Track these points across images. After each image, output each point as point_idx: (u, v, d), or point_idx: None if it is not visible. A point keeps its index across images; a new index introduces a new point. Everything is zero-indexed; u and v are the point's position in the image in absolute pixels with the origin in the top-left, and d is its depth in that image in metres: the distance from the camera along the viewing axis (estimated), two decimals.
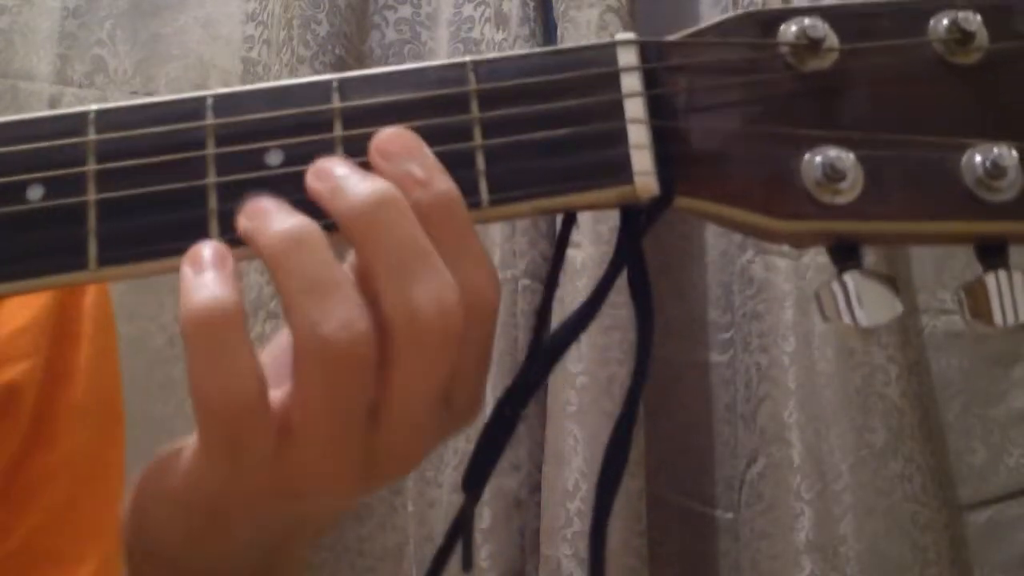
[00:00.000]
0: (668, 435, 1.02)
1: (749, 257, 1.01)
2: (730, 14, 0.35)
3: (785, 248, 0.99)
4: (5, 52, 1.18)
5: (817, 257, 0.98)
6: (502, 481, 0.98)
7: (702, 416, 1.06)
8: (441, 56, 1.17)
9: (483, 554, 0.96)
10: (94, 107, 0.33)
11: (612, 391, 0.95)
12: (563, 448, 0.95)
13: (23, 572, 0.50)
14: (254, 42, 1.17)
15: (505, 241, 1.03)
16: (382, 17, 1.18)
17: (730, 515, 1.02)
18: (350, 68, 1.12)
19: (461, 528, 0.39)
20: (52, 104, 1.16)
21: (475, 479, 0.37)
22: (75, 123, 0.33)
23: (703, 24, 0.35)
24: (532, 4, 1.09)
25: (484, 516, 0.96)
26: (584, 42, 0.36)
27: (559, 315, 1.05)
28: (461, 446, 1.02)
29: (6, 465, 0.50)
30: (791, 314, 0.97)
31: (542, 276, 1.03)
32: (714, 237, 1.08)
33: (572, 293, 0.98)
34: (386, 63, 1.17)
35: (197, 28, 1.19)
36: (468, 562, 0.41)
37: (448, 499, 1.02)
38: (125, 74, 1.18)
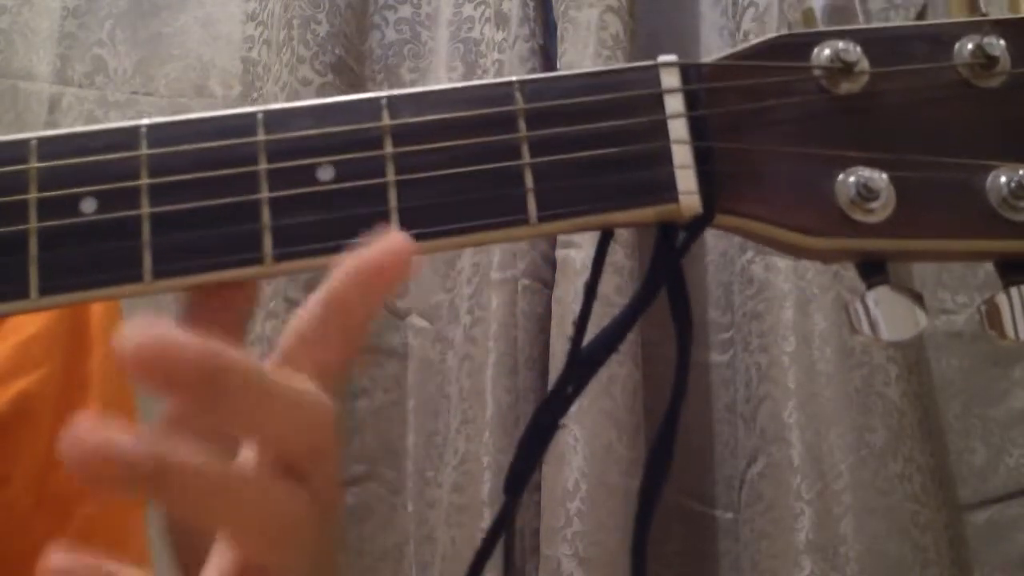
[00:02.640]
0: None
1: (749, 257, 1.01)
2: (765, 37, 0.36)
3: None
4: (5, 52, 1.18)
5: None
6: (502, 481, 0.97)
7: (702, 416, 1.06)
8: (441, 55, 1.17)
9: None
10: (145, 121, 0.34)
11: (612, 391, 0.95)
12: (563, 448, 0.95)
13: None
14: (254, 42, 1.17)
15: None
16: (382, 17, 1.18)
17: (730, 515, 1.02)
18: (350, 68, 1.13)
19: (502, 530, 0.40)
20: (52, 104, 1.16)
21: (516, 484, 0.39)
22: (127, 137, 0.33)
23: (739, 47, 0.36)
24: (532, 4, 1.09)
25: (484, 516, 0.96)
26: (625, 64, 0.36)
27: (559, 315, 1.06)
28: (461, 446, 1.02)
29: (34, 475, 0.50)
30: (791, 314, 0.97)
31: (542, 276, 1.03)
32: (714, 237, 1.08)
33: (572, 293, 0.98)
34: (386, 63, 1.17)
35: (197, 28, 1.20)
36: (510, 565, 0.41)
37: (448, 499, 1.02)
38: (125, 74, 1.18)
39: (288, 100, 1.08)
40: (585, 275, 0.98)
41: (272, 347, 1.10)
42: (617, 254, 0.96)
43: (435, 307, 1.11)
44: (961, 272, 1.03)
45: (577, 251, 0.99)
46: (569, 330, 0.98)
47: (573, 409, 0.96)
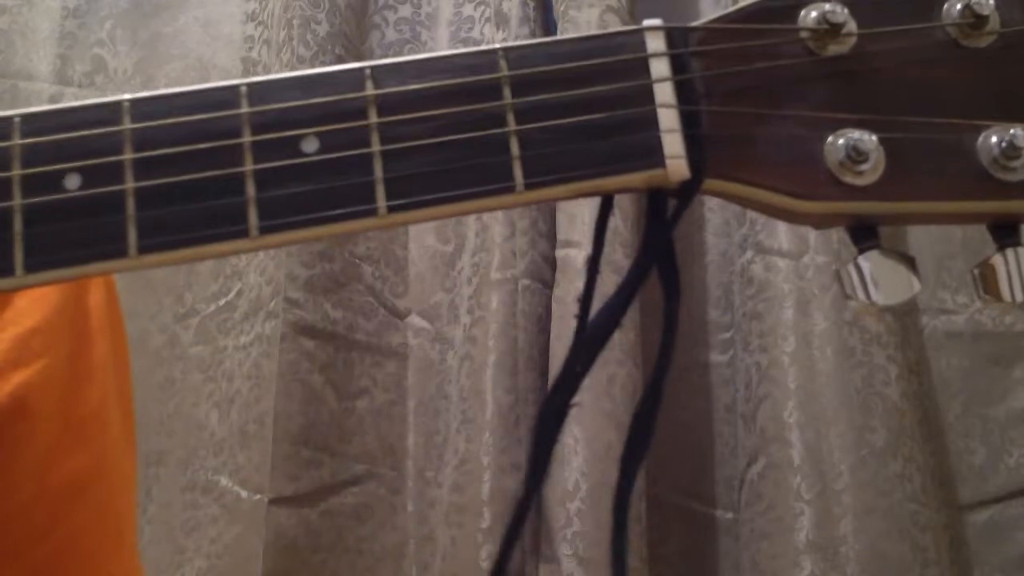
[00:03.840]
0: (668, 435, 1.02)
1: (749, 257, 1.01)
2: (754, 0, 0.35)
3: (785, 248, 0.99)
4: (5, 52, 1.18)
5: (817, 257, 0.98)
6: (502, 481, 0.98)
7: (702, 416, 1.06)
8: None
9: (483, 554, 0.96)
10: (128, 96, 0.33)
11: (612, 391, 0.95)
12: (563, 448, 0.95)
13: (63, 573, 0.50)
14: (254, 42, 1.17)
15: (505, 241, 1.03)
16: (382, 17, 1.18)
17: (730, 515, 1.02)
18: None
19: (525, 513, 0.41)
20: (52, 104, 1.16)
21: (537, 469, 0.39)
22: (110, 112, 0.33)
23: (726, 10, 0.35)
24: (532, 4, 1.09)
25: (484, 516, 0.96)
26: (610, 30, 0.36)
27: (559, 315, 1.06)
28: (461, 447, 1.02)
29: (34, 468, 0.50)
30: (791, 314, 0.97)
31: (542, 276, 1.03)
32: (714, 237, 1.08)
33: (572, 293, 0.98)
34: None
35: (197, 28, 1.19)
36: (538, 547, 0.42)
37: (448, 499, 1.02)
38: (125, 74, 1.18)
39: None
40: (585, 275, 0.98)
41: (272, 346, 1.09)
42: (616, 253, 0.96)
43: (435, 307, 1.11)
44: (961, 272, 1.03)
45: (577, 251, 0.99)
46: (569, 330, 0.98)
47: (573, 410, 0.96)
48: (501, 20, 1.10)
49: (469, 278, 1.08)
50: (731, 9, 0.35)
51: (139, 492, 1.10)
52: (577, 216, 1.00)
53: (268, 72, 1.14)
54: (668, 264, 0.36)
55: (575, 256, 0.99)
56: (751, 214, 1.02)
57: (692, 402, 1.06)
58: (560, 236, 1.02)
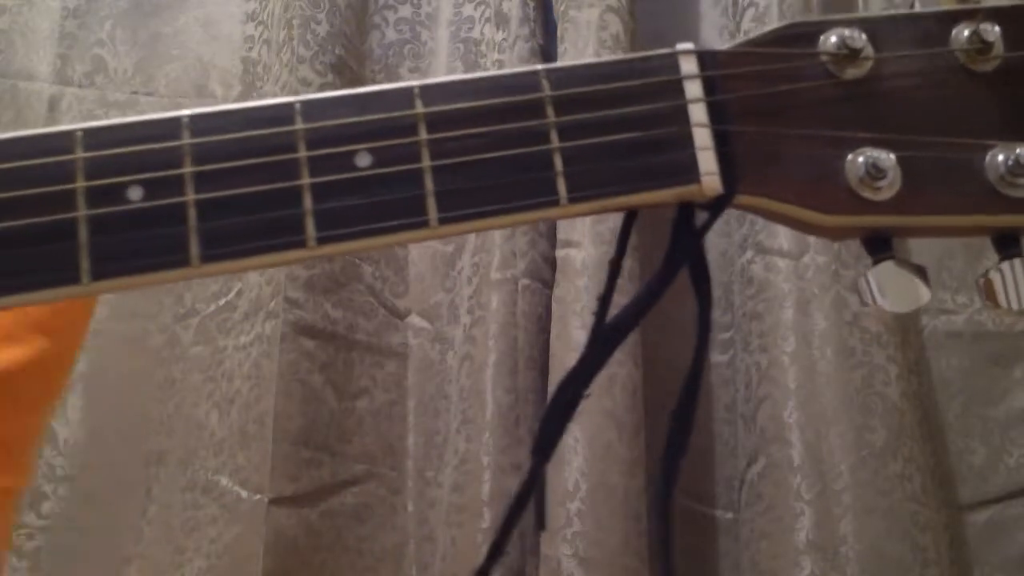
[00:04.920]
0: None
1: (749, 257, 1.01)
2: (775, 25, 0.38)
3: (785, 248, 0.99)
4: (5, 52, 1.18)
5: (817, 257, 0.98)
6: (502, 481, 0.98)
7: (702, 416, 1.05)
8: (441, 56, 1.17)
9: (483, 554, 0.96)
10: (187, 112, 0.35)
11: (612, 391, 0.95)
12: (563, 448, 0.95)
13: None
14: (254, 42, 1.17)
15: (505, 241, 1.03)
16: (382, 17, 1.18)
17: (730, 515, 1.02)
18: (350, 68, 1.13)
19: (531, 490, 0.43)
20: (52, 104, 1.16)
21: (543, 448, 0.41)
22: (170, 127, 0.35)
23: (752, 35, 0.38)
24: (532, 4, 1.09)
25: (484, 516, 0.96)
26: (644, 52, 0.38)
27: (559, 315, 1.06)
28: (461, 447, 1.02)
29: None
30: (791, 314, 0.97)
31: (542, 276, 1.03)
32: (714, 237, 1.08)
33: (572, 293, 0.98)
34: (386, 63, 1.17)
35: (197, 28, 1.19)
36: (541, 522, 0.46)
37: (448, 499, 1.02)
38: (125, 74, 1.18)
39: (282, 98, 1.08)
40: (586, 275, 0.98)
41: (272, 346, 1.09)
42: (625, 257, 0.96)
43: (435, 307, 1.11)
44: (961, 272, 1.03)
45: (577, 251, 0.99)
46: (570, 330, 0.98)
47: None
48: (501, 20, 1.10)
49: (469, 278, 1.08)
50: (757, 33, 0.37)
51: (139, 492, 1.10)
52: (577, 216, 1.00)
53: (268, 72, 1.14)
54: (700, 272, 0.38)
55: (575, 256, 0.99)
56: (751, 215, 1.02)
57: None
58: (560, 236, 1.02)
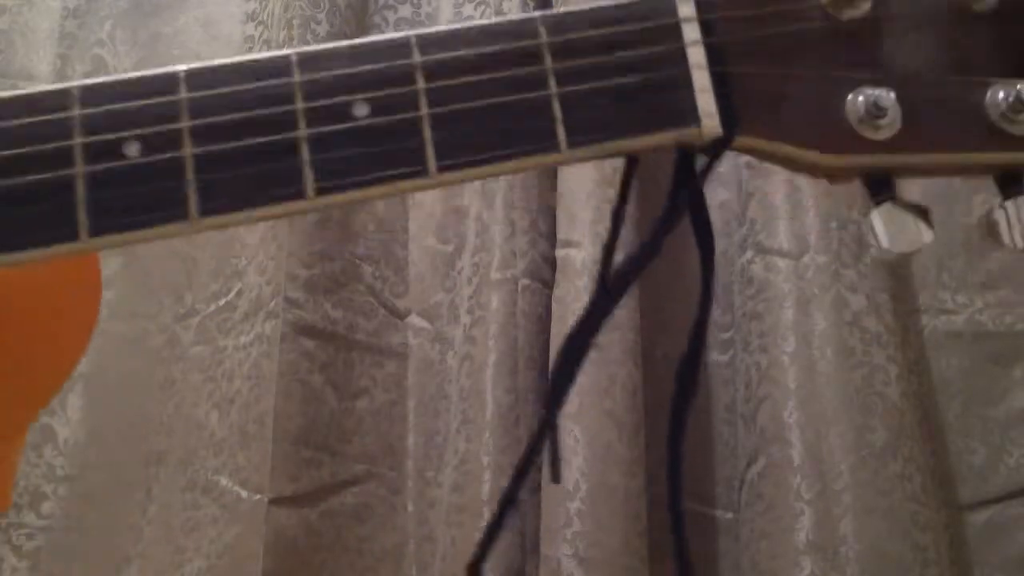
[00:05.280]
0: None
1: (749, 257, 1.01)
2: None
3: (785, 248, 0.99)
4: (5, 52, 1.18)
5: (817, 257, 0.98)
6: (502, 481, 0.98)
7: (702, 416, 1.06)
8: None
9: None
10: (183, 67, 0.35)
11: (612, 391, 0.95)
12: (563, 448, 0.95)
13: None
14: (254, 42, 1.17)
15: (505, 241, 1.03)
16: (382, 17, 1.18)
17: (730, 515, 1.02)
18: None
19: (541, 442, 0.43)
20: None
21: (554, 399, 0.42)
22: (166, 82, 0.34)
23: None
24: (532, 5, 1.09)
25: (484, 516, 0.96)
26: None
27: (559, 315, 1.06)
28: (461, 447, 1.02)
29: None
30: (791, 314, 0.97)
31: (542, 276, 1.03)
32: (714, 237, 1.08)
33: (572, 293, 0.98)
34: None
35: (197, 28, 1.19)
36: (556, 475, 0.46)
37: (448, 499, 1.02)
38: None
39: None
40: (586, 275, 0.98)
41: (272, 346, 1.09)
42: (617, 253, 0.96)
43: (435, 307, 1.11)
44: (961, 272, 1.03)
45: (577, 251, 0.99)
46: (569, 329, 0.97)
47: (573, 409, 0.96)
48: None
49: (469, 278, 1.08)
50: None
51: (139, 492, 1.10)
52: (577, 216, 1.00)
53: None
54: (701, 217, 0.38)
55: (575, 256, 0.99)
56: (751, 214, 1.02)
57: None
58: (560, 236, 1.02)
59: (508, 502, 0.43)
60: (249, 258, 1.10)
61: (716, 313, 1.07)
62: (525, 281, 1.02)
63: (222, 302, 1.11)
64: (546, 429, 0.43)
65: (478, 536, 1.00)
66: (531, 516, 0.98)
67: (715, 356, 1.06)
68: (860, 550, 0.91)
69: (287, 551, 1.00)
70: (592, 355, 0.96)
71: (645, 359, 0.98)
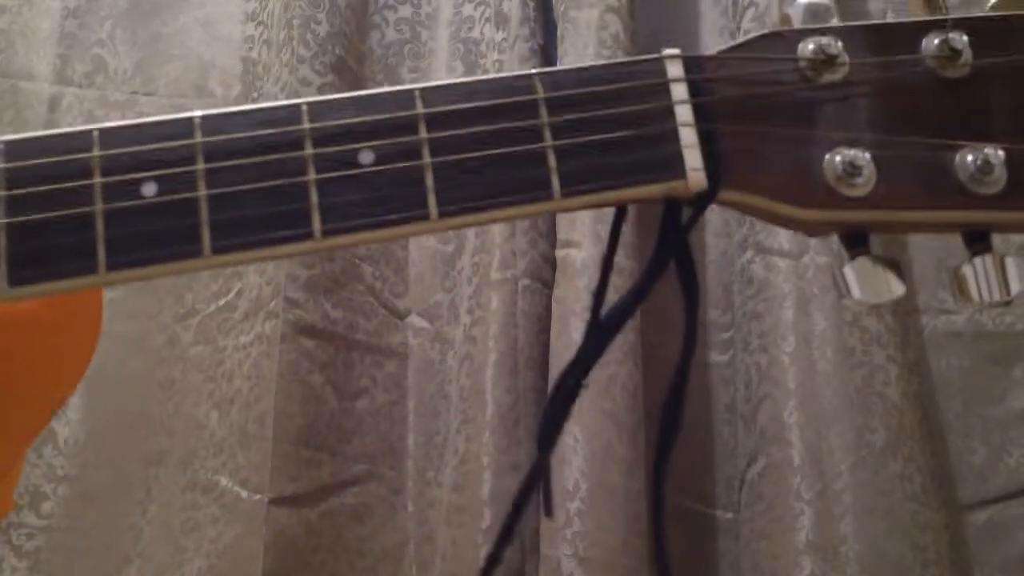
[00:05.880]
0: None
1: (749, 257, 1.01)
2: (757, 33, 0.40)
3: (785, 248, 0.99)
4: (5, 52, 1.18)
5: (817, 257, 0.98)
6: (502, 481, 0.98)
7: (702, 416, 1.06)
8: (441, 56, 1.16)
9: (483, 554, 0.96)
10: (199, 113, 0.37)
11: (612, 391, 0.95)
12: (563, 448, 0.95)
13: None
14: (254, 42, 1.17)
15: (505, 242, 1.03)
16: (382, 17, 1.18)
17: (730, 515, 1.02)
18: (350, 68, 1.13)
19: (536, 480, 0.45)
20: (52, 104, 1.16)
21: (546, 439, 0.44)
22: (182, 127, 0.37)
23: (734, 42, 0.40)
24: (532, 4, 1.09)
25: (484, 516, 0.96)
26: (633, 57, 0.43)
27: (559, 315, 1.06)
28: (461, 447, 1.02)
29: None
30: (791, 314, 0.97)
31: (542, 276, 1.03)
32: (714, 237, 1.08)
33: (572, 293, 0.98)
34: (386, 63, 1.17)
35: (197, 28, 1.19)
36: (549, 509, 0.48)
37: (448, 499, 1.02)
38: (125, 74, 1.18)
39: (288, 100, 1.08)
40: (586, 275, 0.98)
41: (272, 346, 1.09)
42: (618, 255, 0.96)
43: (435, 307, 1.11)
44: None
45: (577, 251, 0.99)
46: (570, 330, 0.98)
47: (573, 409, 0.96)
48: (501, 20, 1.10)
49: (469, 278, 1.08)
50: (739, 41, 0.40)
51: (139, 492, 1.10)
52: (577, 217, 1.00)
53: (268, 72, 1.14)
54: (686, 265, 0.40)
55: (575, 256, 0.99)
56: (749, 216, 1.02)
57: (692, 402, 1.05)
58: (560, 236, 1.02)
59: (504, 538, 0.45)
60: None
61: (716, 313, 1.07)
62: (525, 281, 1.02)
63: (222, 302, 1.11)
64: (540, 468, 0.45)
65: (478, 536, 1.01)
66: (531, 516, 0.98)
67: (715, 356, 1.06)
68: (860, 550, 0.91)
69: (287, 551, 1.00)
70: None
71: (645, 359, 0.98)
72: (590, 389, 0.95)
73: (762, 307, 1.00)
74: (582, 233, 0.99)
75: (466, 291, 1.08)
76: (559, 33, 1.06)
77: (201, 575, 1.03)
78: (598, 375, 0.96)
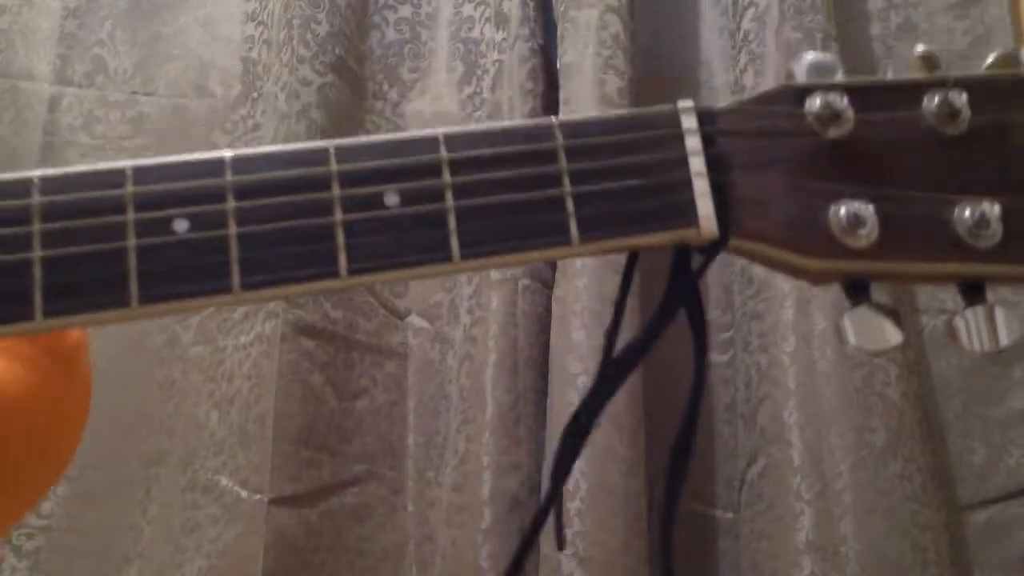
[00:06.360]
0: (668, 435, 1.02)
1: None
2: (767, 89, 0.41)
3: None
4: (5, 52, 1.18)
5: None
6: (502, 481, 0.98)
7: (702, 416, 1.05)
8: (441, 56, 1.17)
9: (483, 554, 0.96)
10: (229, 152, 0.38)
11: None
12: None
13: None
14: (254, 42, 1.17)
15: None
16: (382, 17, 1.18)
17: (730, 515, 1.02)
18: (350, 68, 1.13)
19: (548, 511, 0.46)
20: (52, 104, 1.16)
21: (560, 474, 0.46)
22: (214, 166, 0.38)
23: (746, 96, 0.42)
24: (532, 4, 1.09)
25: (484, 516, 0.97)
26: (649, 108, 0.42)
27: (559, 315, 1.06)
28: (461, 447, 1.02)
29: None
30: (791, 314, 0.97)
31: (542, 276, 1.03)
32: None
33: (572, 293, 0.98)
34: (386, 63, 1.17)
35: (197, 28, 1.19)
36: (561, 543, 0.49)
37: (448, 499, 1.02)
38: (125, 74, 1.18)
39: (288, 100, 1.08)
40: (586, 275, 0.98)
41: (272, 346, 1.09)
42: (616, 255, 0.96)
43: (435, 307, 1.11)
44: None
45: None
46: (570, 329, 0.98)
47: (573, 409, 0.96)
48: (501, 20, 1.10)
49: (469, 278, 1.08)
50: (750, 96, 0.42)
51: (139, 492, 1.10)
52: None
53: (268, 72, 1.14)
54: (696, 311, 0.42)
55: (575, 261, 0.99)
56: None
57: None
58: None
59: (515, 570, 0.47)
60: None
61: (716, 313, 1.07)
62: (525, 281, 1.02)
63: None
64: (555, 497, 0.47)
65: (478, 536, 1.01)
66: (531, 516, 0.98)
67: (715, 356, 1.06)
68: (860, 550, 0.91)
69: (287, 551, 1.00)
70: (592, 356, 0.96)
71: (645, 360, 0.98)
72: None
73: (762, 307, 1.00)
74: None
75: (466, 291, 1.08)
76: (559, 33, 1.06)
77: (201, 575, 1.03)
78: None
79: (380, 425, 1.09)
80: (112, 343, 1.11)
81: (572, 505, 0.94)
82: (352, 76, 1.13)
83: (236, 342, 1.08)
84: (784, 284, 0.98)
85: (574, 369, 0.97)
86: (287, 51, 1.10)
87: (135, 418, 1.11)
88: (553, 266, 1.02)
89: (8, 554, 1.07)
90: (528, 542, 0.46)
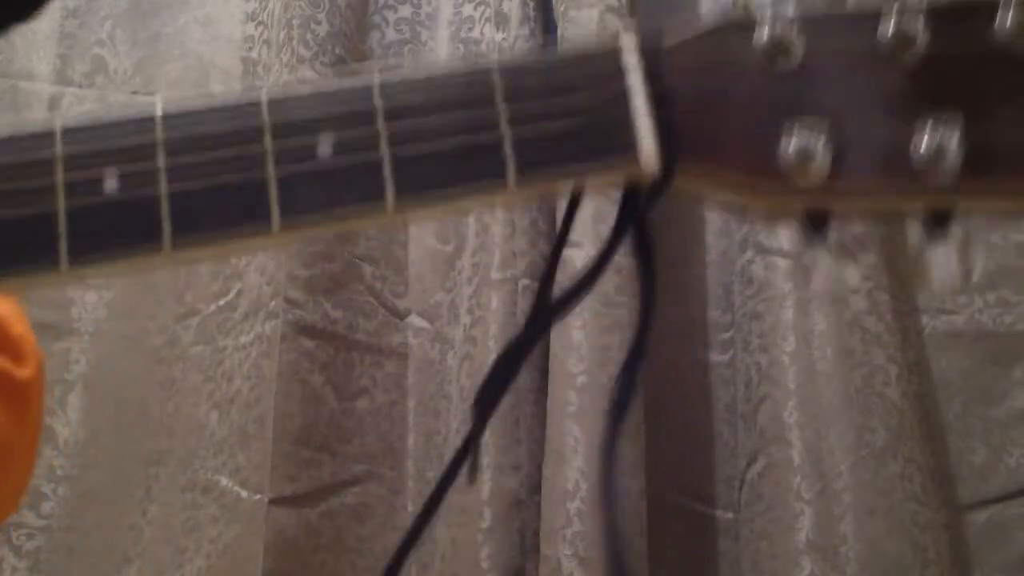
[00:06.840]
0: (668, 435, 1.02)
1: (749, 257, 1.01)
2: (712, 19, 0.40)
3: (785, 248, 0.99)
4: (5, 52, 1.18)
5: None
6: (502, 481, 0.98)
7: (702, 416, 1.06)
8: (441, 56, 1.17)
9: (483, 554, 0.96)
10: (159, 109, 0.37)
11: (612, 391, 0.95)
12: (563, 448, 0.95)
13: None
14: (254, 42, 1.17)
15: (505, 242, 1.03)
16: (382, 17, 1.18)
17: (730, 515, 1.02)
18: (350, 68, 1.13)
19: (469, 445, 0.46)
20: (52, 104, 1.16)
21: (484, 406, 0.45)
22: (145, 123, 0.37)
23: (690, 26, 0.40)
24: (532, 4, 1.09)
25: (485, 516, 0.97)
26: (587, 44, 0.41)
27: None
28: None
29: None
30: (791, 314, 0.97)
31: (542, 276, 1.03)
32: (714, 237, 1.08)
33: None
34: (386, 63, 1.17)
35: (197, 28, 1.19)
36: (473, 478, 0.49)
37: (448, 499, 1.02)
38: (125, 74, 1.18)
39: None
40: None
41: (272, 346, 1.09)
42: (618, 253, 0.96)
43: (435, 307, 1.11)
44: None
45: (577, 251, 0.99)
46: (570, 330, 0.98)
47: (573, 409, 0.96)
48: (501, 20, 1.10)
49: (469, 278, 1.08)
50: (695, 26, 0.40)
51: (139, 492, 1.10)
52: (578, 217, 1.00)
53: (268, 72, 1.14)
54: (643, 246, 0.41)
55: (575, 256, 0.99)
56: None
57: (692, 402, 1.06)
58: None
59: (429, 510, 0.46)
60: (249, 258, 1.10)
61: (716, 313, 1.07)
62: (525, 281, 1.02)
63: (222, 302, 1.11)
64: (477, 432, 0.46)
65: (478, 536, 1.01)
66: (531, 516, 0.98)
67: (715, 356, 1.06)
68: (860, 550, 0.91)
69: (287, 551, 1.00)
70: (592, 355, 0.96)
71: (646, 362, 0.98)
72: (590, 389, 0.95)
73: (762, 307, 1.00)
74: (583, 233, 0.99)
75: (466, 291, 1.08)
76: (559, 33, 1.06)
77: (201, 575, 1.03)
78: (598, 375, 0.96)
79: (380, 425, 1.09)
80: (112, 343, 1.11)
81: (572, 505, 0.94)
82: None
83: (236, 342, 1.08)
84: (784, 284, 0.98)
85: (574, 369, 0.97)
86: (287, 51, 1.10)
87: (135, 418, 1.11)
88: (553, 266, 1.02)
89: (8, 554, 1.07)
90: (447, 479, 0.46)
